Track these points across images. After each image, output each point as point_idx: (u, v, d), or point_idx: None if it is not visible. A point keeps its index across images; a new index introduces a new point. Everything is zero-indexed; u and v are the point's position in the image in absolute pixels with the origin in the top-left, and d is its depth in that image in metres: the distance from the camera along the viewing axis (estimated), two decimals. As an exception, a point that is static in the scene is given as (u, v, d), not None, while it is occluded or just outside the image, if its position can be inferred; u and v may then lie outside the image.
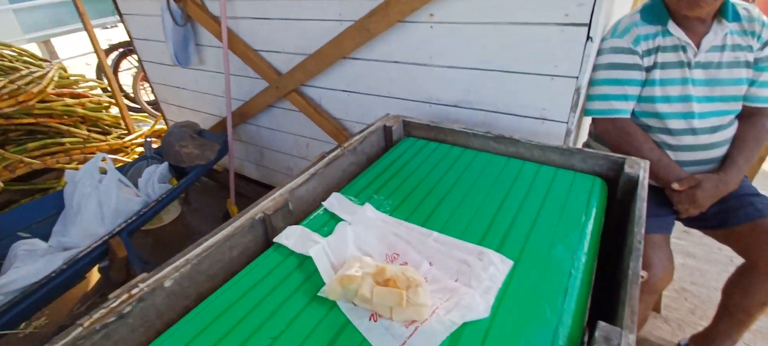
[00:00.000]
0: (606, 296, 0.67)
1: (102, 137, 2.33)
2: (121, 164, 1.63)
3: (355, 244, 0.66)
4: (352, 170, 0.96)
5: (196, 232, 1.87)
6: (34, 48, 3.02)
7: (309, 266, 0.63)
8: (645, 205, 0.68)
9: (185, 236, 1.84)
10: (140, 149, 2.36)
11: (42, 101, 2.09)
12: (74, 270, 1.19)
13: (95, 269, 1.58)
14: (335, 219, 0.74)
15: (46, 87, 2.07)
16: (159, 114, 2.30)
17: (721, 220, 0.99)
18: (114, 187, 1.30)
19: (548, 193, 0.78)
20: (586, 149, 0.85)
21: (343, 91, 1.36)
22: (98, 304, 0.58)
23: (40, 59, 2.38)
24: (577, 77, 0.95)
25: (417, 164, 0.92)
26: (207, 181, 2.19)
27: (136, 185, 1.44)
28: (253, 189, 1.99)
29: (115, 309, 0.54)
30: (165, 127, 2.39)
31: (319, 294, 0.57)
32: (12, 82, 1.96)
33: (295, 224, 0.74)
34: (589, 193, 0.78)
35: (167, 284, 0.60)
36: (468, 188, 0.82)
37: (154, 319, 0.59)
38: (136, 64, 2.97)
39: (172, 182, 1.53)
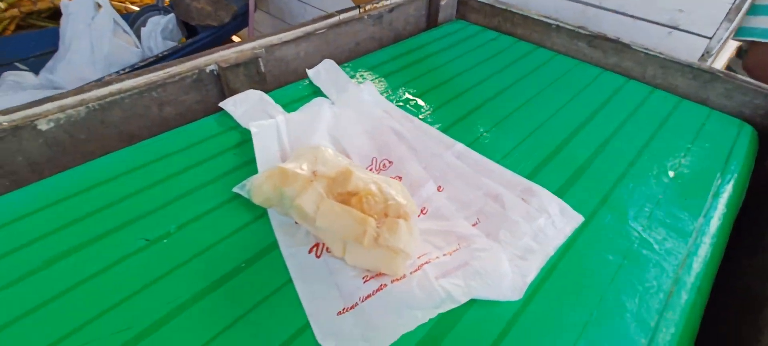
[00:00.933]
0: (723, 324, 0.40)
1: (135, -11, 2.16)
2: (129, 12, 1.45)
3: (330, 133, 0.41)
4: (368, 46, 0.68)
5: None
6: None
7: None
8: None
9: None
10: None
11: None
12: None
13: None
14: (319, 95, 0.50)
15: None
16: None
17: None
18: (108, 30, 1.13)
19: (660, 131, 0.48)
20: (737, 76, 0.52)
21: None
22: None
23: None
24: (754, -39, 0.57)
25: (461, 52, 0.63)
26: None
27: (139, 35, 1.25)
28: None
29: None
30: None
31: (234, 189, 0.34)
32: None
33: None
34: (732, 144, 0.47)
35: (43, 126, 0.40)
36: (529, 97, 0.53)
37: (24, 172, 0.41)
38: None
39: (181, 41, 1.34)
